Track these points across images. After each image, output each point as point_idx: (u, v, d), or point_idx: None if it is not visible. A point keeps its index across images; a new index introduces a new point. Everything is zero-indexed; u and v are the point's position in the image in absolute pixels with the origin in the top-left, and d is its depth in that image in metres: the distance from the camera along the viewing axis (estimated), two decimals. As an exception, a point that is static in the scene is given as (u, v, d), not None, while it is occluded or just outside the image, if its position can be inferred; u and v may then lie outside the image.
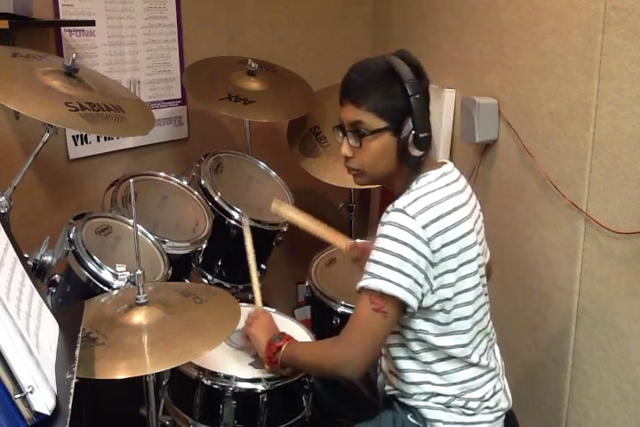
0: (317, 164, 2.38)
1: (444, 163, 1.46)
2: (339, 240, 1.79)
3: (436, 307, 1.37)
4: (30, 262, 1.54)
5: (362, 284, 1.33)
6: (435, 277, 1.34)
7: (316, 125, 2.47)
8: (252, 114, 2.27)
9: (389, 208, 1.36)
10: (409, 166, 1.40)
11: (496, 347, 1.57)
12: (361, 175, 1.44)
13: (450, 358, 1.41)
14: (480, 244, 1.46)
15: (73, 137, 2.22)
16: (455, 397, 1.42)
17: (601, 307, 1.73)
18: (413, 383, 1.43)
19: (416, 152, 1.36)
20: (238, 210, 2.12)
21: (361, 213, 2.89)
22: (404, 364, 1.44)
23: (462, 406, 1.42)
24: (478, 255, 1.42)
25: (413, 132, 1.34)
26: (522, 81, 1.94)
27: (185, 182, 2.13)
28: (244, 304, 1.79)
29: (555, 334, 1.89)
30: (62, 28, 2.13)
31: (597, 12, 1.63)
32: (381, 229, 1.34)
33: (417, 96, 1.33)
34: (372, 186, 1.54)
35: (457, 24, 2.27)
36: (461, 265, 1.37)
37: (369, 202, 3.03)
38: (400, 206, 1.33)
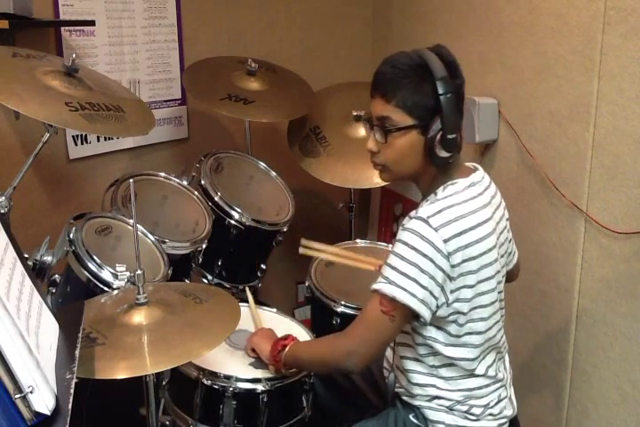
0: (317, 164, 2.38)
1: (475, 169, 1.42)
2: (369, 265, 1.82)
3: (450, 318, 1.35)
4: (30, 262, 1.54)
5: (376, 286, 1.31)
6: (452, 291, 1.32)
7: (316, 125, 2.47)
8: (252, 114, 2.27)
9: (412, 214, 1.32)
10: (436, 167, 1.35)
11: (506, 357, 1.56)
12: (385, 171, 1.40)
13: (456, 365, 1.40)
14: (502, 256, 1.44)
15: (73, 137, 2.22)
16: (458, 402, 1.41)
17: (601, 307, 1.73)
18: (418, 385, 1.42)
19: (443, 153, 1.31)
20: (238, 210, 2.12)
21: (361, 213, 2.88)
22: (410, 365, 1.43)
23: (465, 411, 1.41)
24: (498, 272, 1.39)
25: (441, 132, 1.30)
26: (522, 81, 1.94)
27: (185, 182, 2.13)
28: (244, 304, 1.80)
29: (555, 334, 1.90)
30: (62, 28, 2.13)
31: (597, 11, 1.63)
32: (401, 235, 1.31)
33: (448, 95, 1.28)
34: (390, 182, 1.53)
35: (457, 24, 2.27)
36: (480, 282, 1.34)
37: (369, 202, 3.03)
38: (424, 215, 1.29)
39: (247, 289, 2.00)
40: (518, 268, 1.66)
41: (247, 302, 1.89)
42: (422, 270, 1.27)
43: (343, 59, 2.85)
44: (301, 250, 1.87)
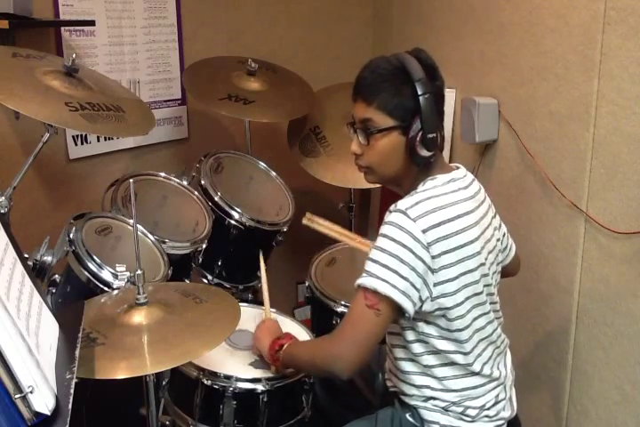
0: (317, 164, 2.38)
1: (457, 168, 1.45)
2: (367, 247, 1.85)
3: (437, 313, 1.35)
4: (30, 262, 1.54)
5: (358, 281, 1.32)
6: (435, 285, 1.32)
7: (316, 125, 2.47)
8: (252, 114, 2.27)
9: (392, 208, 1.35)
10: (417, 167, 1.38)
11: (508, 356, 1.56)
12: (370, 173, 1.44)
13: (452, 363, 1.40)
14: (491, 252, 1.45)
15: (73, 137, 2.22)
16: (454, 403, 1.41)
17: (601, 307, 1.73)
18: (414, 386, 1.43)
19: (424, 152, 1.35)
20: (238, 210, 2.12)
21: (361, 213, 2.89)
22: (405, 366, 1.43)
23: (461, 413, 1.41)
24: (482, 264, 1.39)
25: (421, 132, 1.33)
26: (522, 81, 1.94)
27: (185, 182, 2.13)
28: (244, 304, 1.80)
29: (555, 334, 1.90)
30: (62, 28, 2.13)
31: (597, 11, 1.63)
32: (382, 229, 1.33)
33: (426, 96, 1.31)
34: (380, 185, 1.54)
35: (457, 24, 2.28)
36: (462, 274, 1.35)
37: (369, 202, 3.03)
38: (402, 208, 1.32)
39: (261, 258, 1.95)
40: (518, 262, 1.67)
41: (247, 301, 1.89)
42: (402, 261, 1.29)
43: (343, 59, 2.85)
44: (304, 221, 1.93)
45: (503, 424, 1.47)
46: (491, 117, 2.05)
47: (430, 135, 1.33)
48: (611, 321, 1.70)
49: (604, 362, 1.73)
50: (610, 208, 1.66)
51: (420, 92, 1.31)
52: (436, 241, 1.30)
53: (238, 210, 2.12)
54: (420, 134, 1.33)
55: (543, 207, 1.89)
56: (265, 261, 2.31)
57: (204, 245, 2.01)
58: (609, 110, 1.63)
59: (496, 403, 1.45)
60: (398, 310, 1.31)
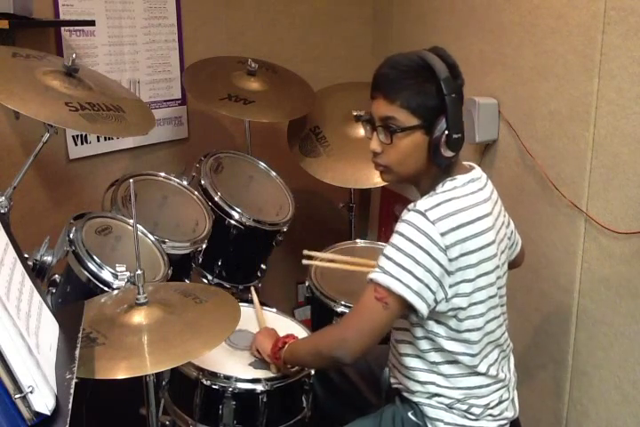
0: (317, 164, 2.38)
1: (473, 167, 1.43)
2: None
3: (450, 313, 1.35)
4: (30, 262, 1.54)
5: (371, 276, 1.31)
6: (450, 286, 1.32)
7: (316, 125, 2.47)
8: (252, 114, 2.27)
9: (411, 206, 1.33)
10: (438, 167, 1.36)
11: (511, 359, 1.55)
12: (388, 172, 1.40)
13: (457, 362, 1.40)
14: (503, 252, 1.44)
15: (73, 137, 2.22)
16: (458, 400, 1.41)
17: (601, 307, 1.73)
18: (419, 382, 1.42)
19: (448, 153, 1.32)
20: (238, 210, 2.12)
21: (361, 213, 2.88)
22: (411, 362, 1.43)
23: (465, 410, 1.41)
24: (497, 267, 1.39)
25: (446, 132, 1.30)
26: (522, 81, 1.94)
27: (185, 182, 2.13)
28: (244, 304, 1.80)
29: (555, 334, 1.89)
30: (62, 28, 2.13)
31: (597, 12, 1.63)
32: (398, 226, 1.31)
33: (452, 95, 1.30)
34: (399, 184, 1.54)
35: (457, 24, 2.27)
36: (479, 276, 1.34)
37: (369, 202, 3.03)
38: (422, 209, 1.30)
39: (252, 289, 1.99)
40: (523, 254, 1.67)
41: (247, 301, 1.89)
42: (418, 262, 1.28)
43: (343, 59, 2.86)
44: (304, 262, 1.94)
45: (506, 424, 1.47)
46: (491, 117, 2.05)
47: (456, 135, 1.31)
48: (611, 321, 1.70)
49: (604, 362, 1.73)
50: (610, 208, 1.66)
51: (446, 92, 1.29)
52: (454, 244, 1.29)
53: (238, 210, 2.12)
54: (444, 135, 1.31)
55: (543, 207, 1.89)
56: (265, 262, 2.32)
57: (204, 245, 2.01)
58: (609, 110, 1.63)
59: (500, 403, 1.45)
60: (409, 308, 1.31)
